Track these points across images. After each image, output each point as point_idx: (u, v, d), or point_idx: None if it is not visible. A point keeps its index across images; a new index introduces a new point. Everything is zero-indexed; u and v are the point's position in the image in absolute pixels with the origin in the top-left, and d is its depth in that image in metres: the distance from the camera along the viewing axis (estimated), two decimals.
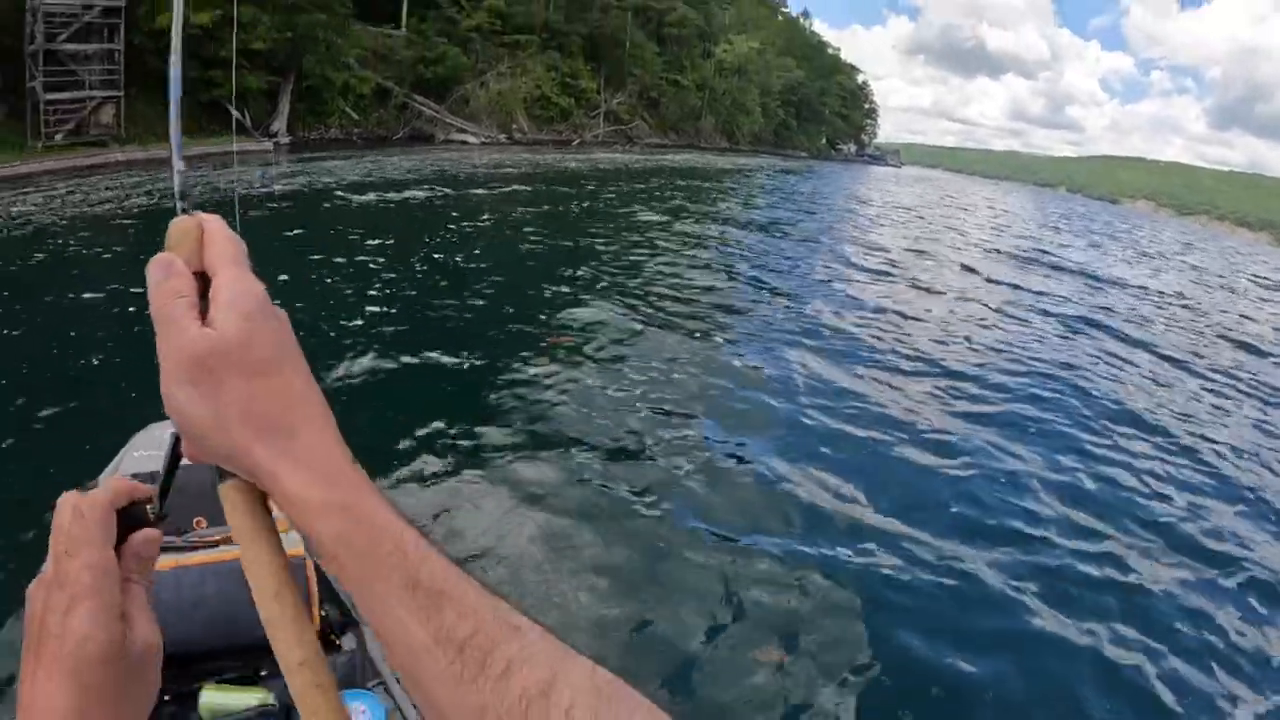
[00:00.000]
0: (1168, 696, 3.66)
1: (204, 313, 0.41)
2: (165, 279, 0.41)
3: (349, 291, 8.54)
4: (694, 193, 25.33)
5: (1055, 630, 4.02)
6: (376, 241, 11.29)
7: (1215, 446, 7.37)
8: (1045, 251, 22.78)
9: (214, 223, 0.44)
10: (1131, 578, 4.68)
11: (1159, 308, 16.15)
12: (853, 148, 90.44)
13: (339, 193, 15.85)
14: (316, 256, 9.96)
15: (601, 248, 13.02)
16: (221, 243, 0.43)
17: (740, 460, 5.41)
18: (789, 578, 4.08)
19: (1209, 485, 6.42)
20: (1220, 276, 28.14)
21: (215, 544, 1.97)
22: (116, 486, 0.46)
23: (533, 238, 13.65)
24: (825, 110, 76.41)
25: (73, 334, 6.43)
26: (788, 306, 10.42)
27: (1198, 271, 28.31)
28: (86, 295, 7.43)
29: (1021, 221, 37.58)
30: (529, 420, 5.59)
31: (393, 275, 9.51)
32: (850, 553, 4.41)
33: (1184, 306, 17.18)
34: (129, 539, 0.45)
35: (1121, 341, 11.54)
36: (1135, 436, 7.22)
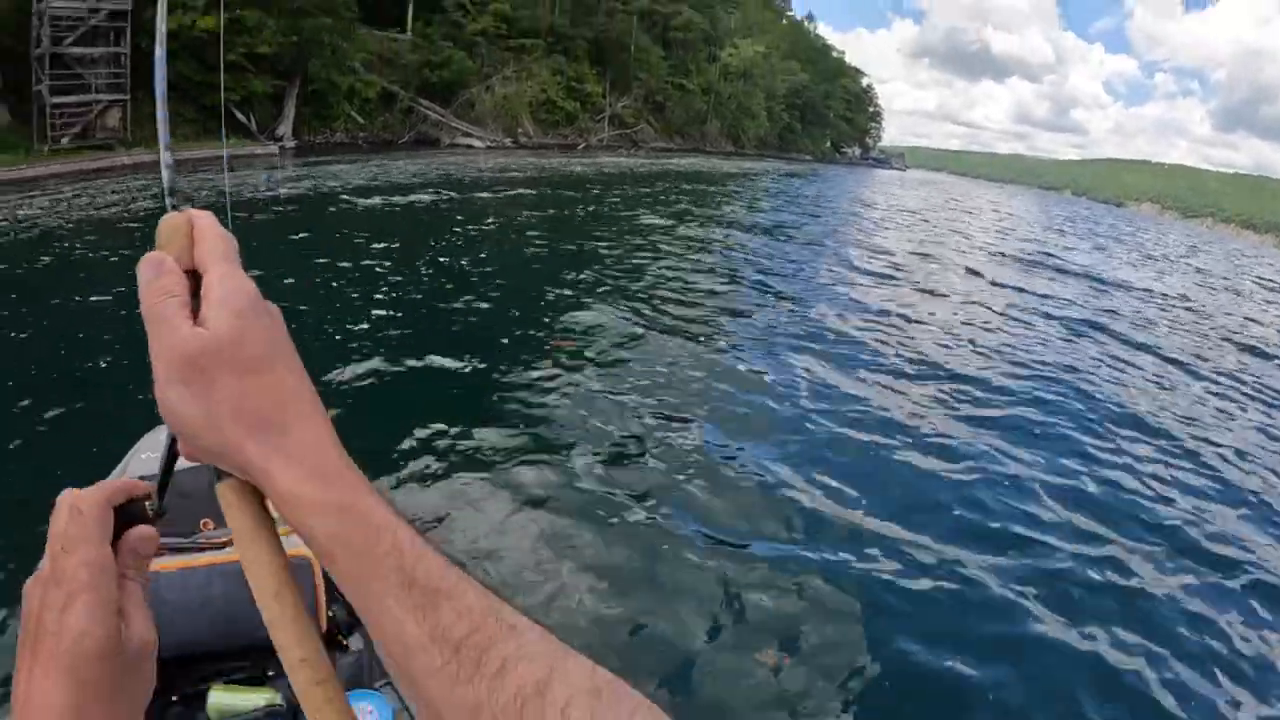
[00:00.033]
0: (1169, 701, 3.64)
1: (195, 310, 0.41)
2: (156, 277, 0.41)
3: (354, 294, 8.59)
4: (699, 196, 25.32)
5: (1057, 635, 4.00)
6: (382, 245, 11.32)
7: (1219, 450, 7.34)
8: (1050, 254, 22.70)
9: (204, 219, 0.44)
10: (1134, 582, 4.66)
11: (1163, 311, 16.07)
12: (857, 151, 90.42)
13: (344, 196, 15.91)
14: (322, 260, 10.01)
15: (606, 252, 13.02)
16: (212, 239, 0.43)
17: (742, 464, 5.40)
18: (789, 581, 4.08)
19: (1212, 489, 6.39)
20: (1225, 279, 28.00)
21: (222, 545, 1.98)
22: (114, 484, 0.46)
23: (537, 241, 13.67)
24: (830, 114, 76.37)
25: (79, 336, 6.45)
26: (791, 310, 10.41)
27: (1203, 274, 28.15)
28: (93, 298, 7.47)
29: (1026, 225, 37.45)
30: (532, 423, 5.60)
31: (398, 278, 9.54)
32: (851, 556, 4.40)
33: (1188, 309, 17.10)
34: (126, 535, 0.44)
35: (1125, 345, 11.49)
36: (1139, 440, 7.20)
